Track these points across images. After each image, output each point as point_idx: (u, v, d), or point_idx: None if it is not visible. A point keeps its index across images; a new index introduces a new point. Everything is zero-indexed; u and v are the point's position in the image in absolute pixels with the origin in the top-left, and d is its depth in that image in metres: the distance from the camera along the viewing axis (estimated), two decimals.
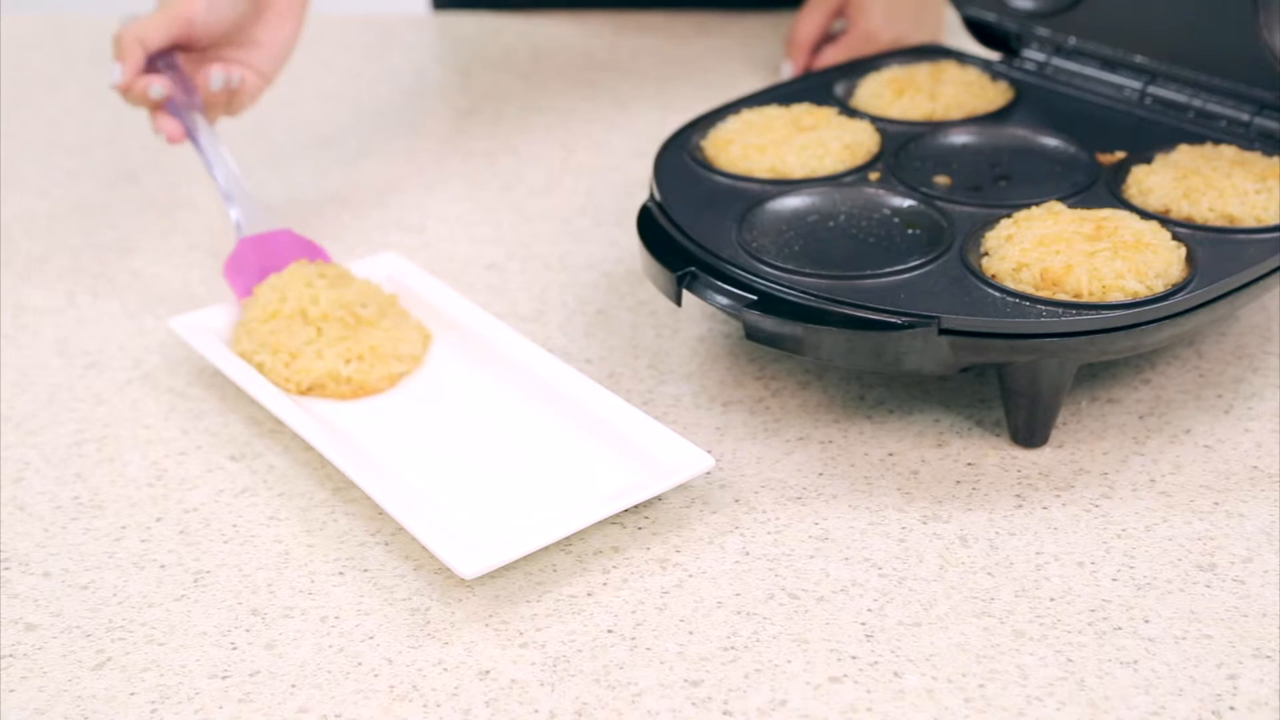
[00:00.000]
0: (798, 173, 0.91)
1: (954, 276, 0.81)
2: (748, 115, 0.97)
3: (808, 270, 0.82)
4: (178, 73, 1.00)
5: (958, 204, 0.88)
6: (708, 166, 0.93)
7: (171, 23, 0.99)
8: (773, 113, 0.97)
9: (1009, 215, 0.85)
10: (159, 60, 1.00)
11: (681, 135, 0.96)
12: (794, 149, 0.92)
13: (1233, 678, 0.67)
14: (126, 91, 0.98)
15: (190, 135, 0.99)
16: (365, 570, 0.75)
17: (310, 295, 0.89)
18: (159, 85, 0.98)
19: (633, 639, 0.71)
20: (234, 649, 0.71)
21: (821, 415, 0.85)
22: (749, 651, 0.70)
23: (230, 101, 1.02)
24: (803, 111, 0.97)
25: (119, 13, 1.05)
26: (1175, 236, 0.82)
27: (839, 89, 1.02)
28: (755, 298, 0.79)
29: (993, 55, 1.07)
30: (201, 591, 0.74)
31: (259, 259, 0.94)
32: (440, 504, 0.78)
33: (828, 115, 0.97)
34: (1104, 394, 0.86)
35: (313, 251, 0.96)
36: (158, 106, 0.99)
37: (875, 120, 0.98)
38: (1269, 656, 0.68)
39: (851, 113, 0.99)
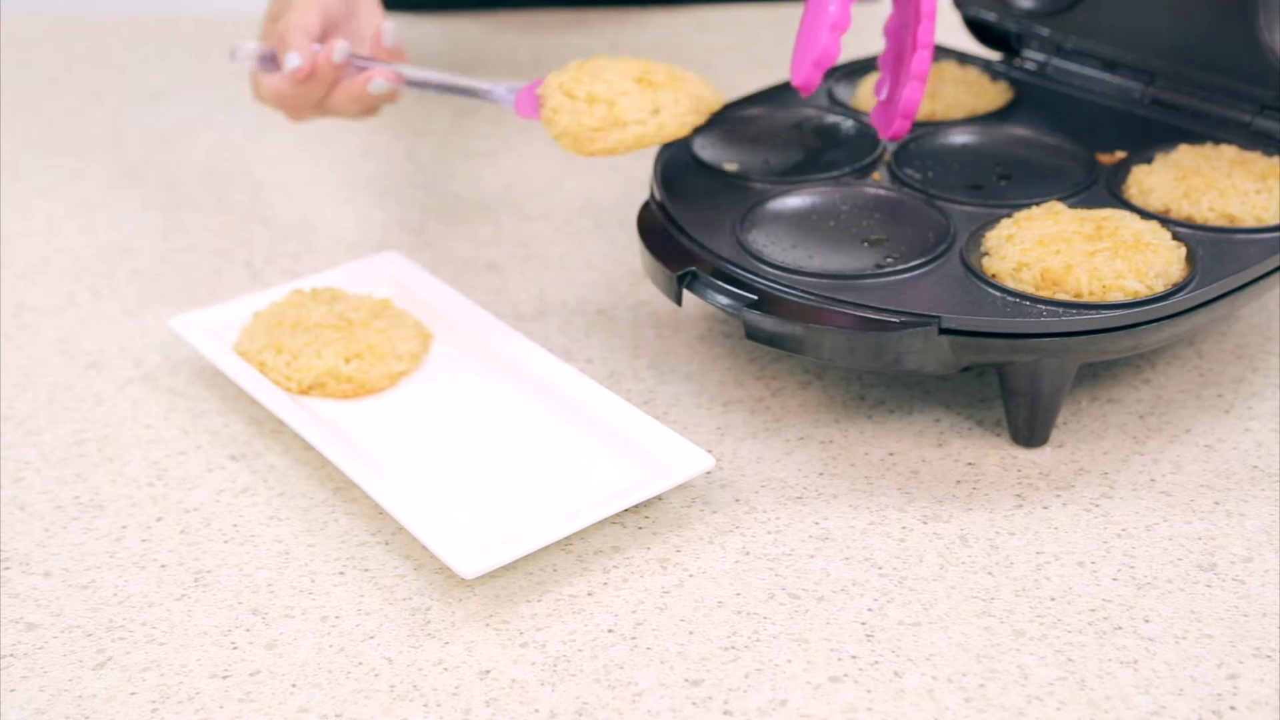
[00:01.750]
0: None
1: (954, 276, 0.81)
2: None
3: (808, 270, 0.82)
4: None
5: (958, 203, 0.88)
6: (701, 162, 0.93)
7: (311, 5, 0.97)
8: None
9: (1009, 215, 0.85)
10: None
11: None
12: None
13: (1233, 677, 0.67)
14: (309, 75, 0.94)
15: (400, 76, 0.96)
16: (366, 570, 0.75)
17: (304, 312, 0.89)
18: (341, 41, 0.95)
19: (633, 638, 0.71)
20: (234, 649, 0.71)
21: (822, 415, 0.85)
22: (749, 651, 0.70)
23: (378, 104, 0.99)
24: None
25: (118, 13, 1.05)
26: (1175, 236, 0.82)
27: (840, 90, 1.03)
28: (755, 297, 0.79)
29: (993, 55, 1.07)
30: (202, 591, 0.74)
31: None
32: (440, 504, 0.78)
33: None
34: (1104, 394, 0.86)
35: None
36: (338, 73, 0.95)
37: None
38: (1269, 656, 0.68)
39: (852, 113, 0.99)
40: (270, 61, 0.98)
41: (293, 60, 0.94)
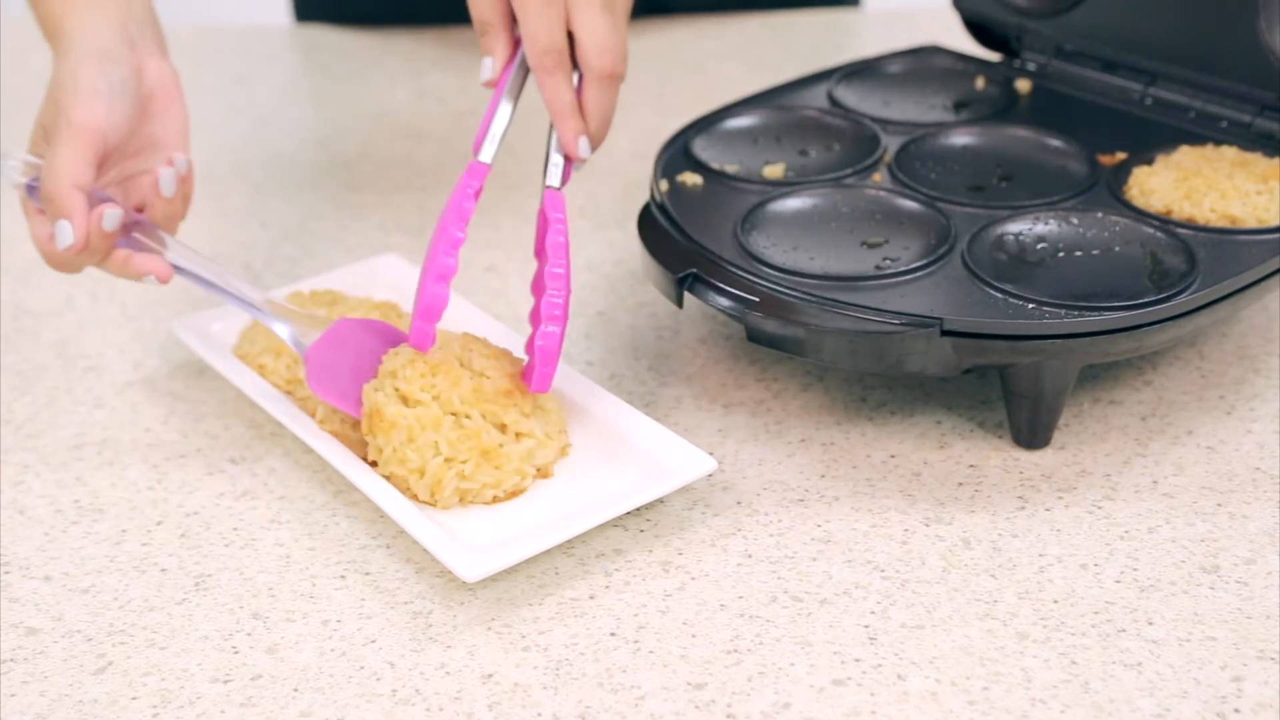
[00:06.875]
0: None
1: (956, 278, 0.81)
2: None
3: (809, 272, 0.81)
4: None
5: (958, 204, 0.88)
6: (706, 167, 0.93)
7: (84, 143, 0.81)
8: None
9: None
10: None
11: (681, 136, 0.96)
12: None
13: (1237, 680, 0.67)
14: (84, 248, 0.79)
15: (176, 266, 0.82)
16: (367, 574, 0.75)
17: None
18: (111, 209, 0.80)
19: (635, 642, 0.70)
20: (236, 653, 0.71)
21: (823, 417, 0.85)
22: (752, 654, 0.69)
23: (177, 212, 0.85)
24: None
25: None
26: (1176, 237, 0.82)
27: (840, 92, 1.02)
28: (757, 299, 0.79)
29: (993, 55, 1.07)
30: (203, 595, 0.74)
31: (342, 361, 0.81)
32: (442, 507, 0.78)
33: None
34: (1106, 395, 0.86)
35: (380, 329, 0.83)
36: (112, 242, 0.81)
37: (875, 120, 0.98)
38: (1273, 659, 0.68)
39: (852, 115, 0.99)
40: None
41: (65, 235, 0.79)
